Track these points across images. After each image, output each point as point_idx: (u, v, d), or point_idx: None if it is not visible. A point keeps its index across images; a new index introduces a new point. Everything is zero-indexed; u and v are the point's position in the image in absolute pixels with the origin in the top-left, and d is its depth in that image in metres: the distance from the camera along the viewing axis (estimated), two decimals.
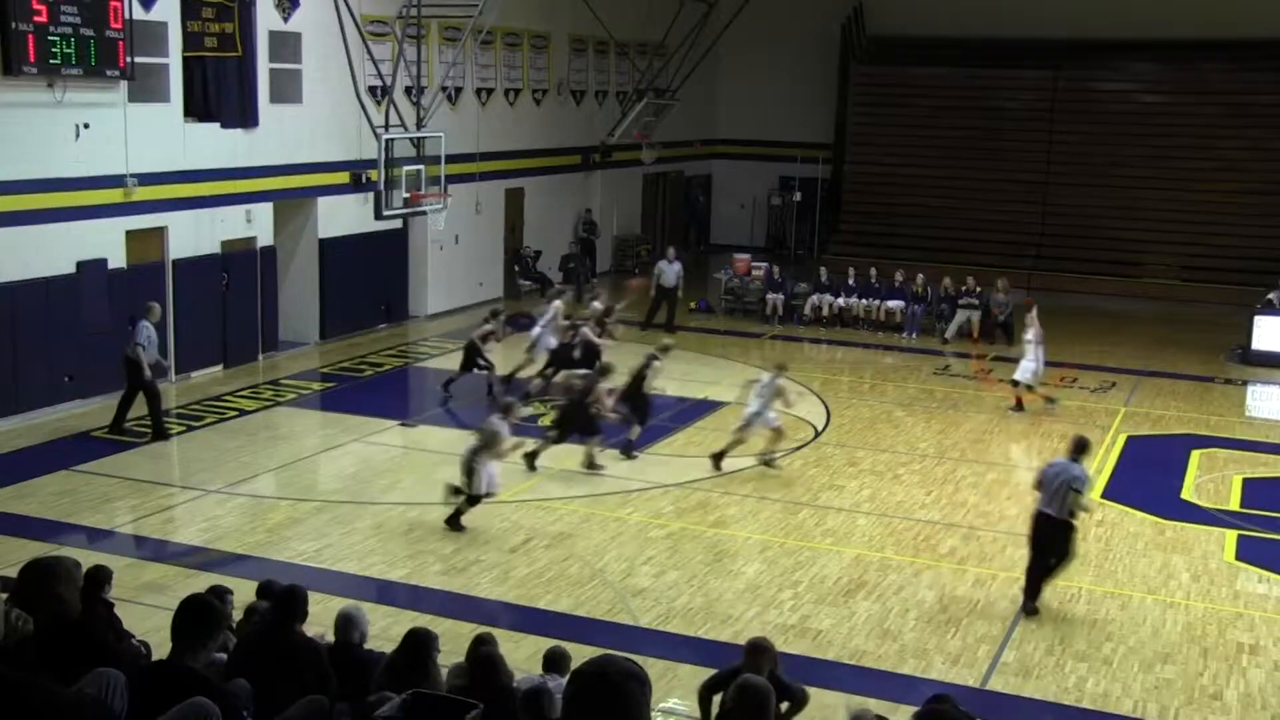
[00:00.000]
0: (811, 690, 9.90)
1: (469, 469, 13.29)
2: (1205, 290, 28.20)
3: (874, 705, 8.86)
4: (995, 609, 11.82)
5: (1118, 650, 11.01)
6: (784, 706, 7.67)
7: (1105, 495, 15.45)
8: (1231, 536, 14.04)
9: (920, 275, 26.12)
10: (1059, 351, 23.27)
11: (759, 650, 7.83)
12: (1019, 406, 19.16)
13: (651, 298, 24.73)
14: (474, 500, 13.38)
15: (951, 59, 33.45)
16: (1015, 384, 19.19)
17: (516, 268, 27.90)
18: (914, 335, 25.02)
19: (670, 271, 24.57)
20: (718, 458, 15.71)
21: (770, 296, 26.38)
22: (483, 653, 6.96)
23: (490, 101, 26.61)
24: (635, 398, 16.35)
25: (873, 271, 26.39)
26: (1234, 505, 15.25)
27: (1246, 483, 16.13)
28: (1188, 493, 15.67)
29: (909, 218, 32.62)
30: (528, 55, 27.97)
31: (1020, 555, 13.20)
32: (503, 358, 19.65)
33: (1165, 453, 17.47)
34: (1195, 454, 17.31)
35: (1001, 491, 15.38)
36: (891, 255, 28.50)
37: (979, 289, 25.28)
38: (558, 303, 20.21)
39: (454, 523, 13.37)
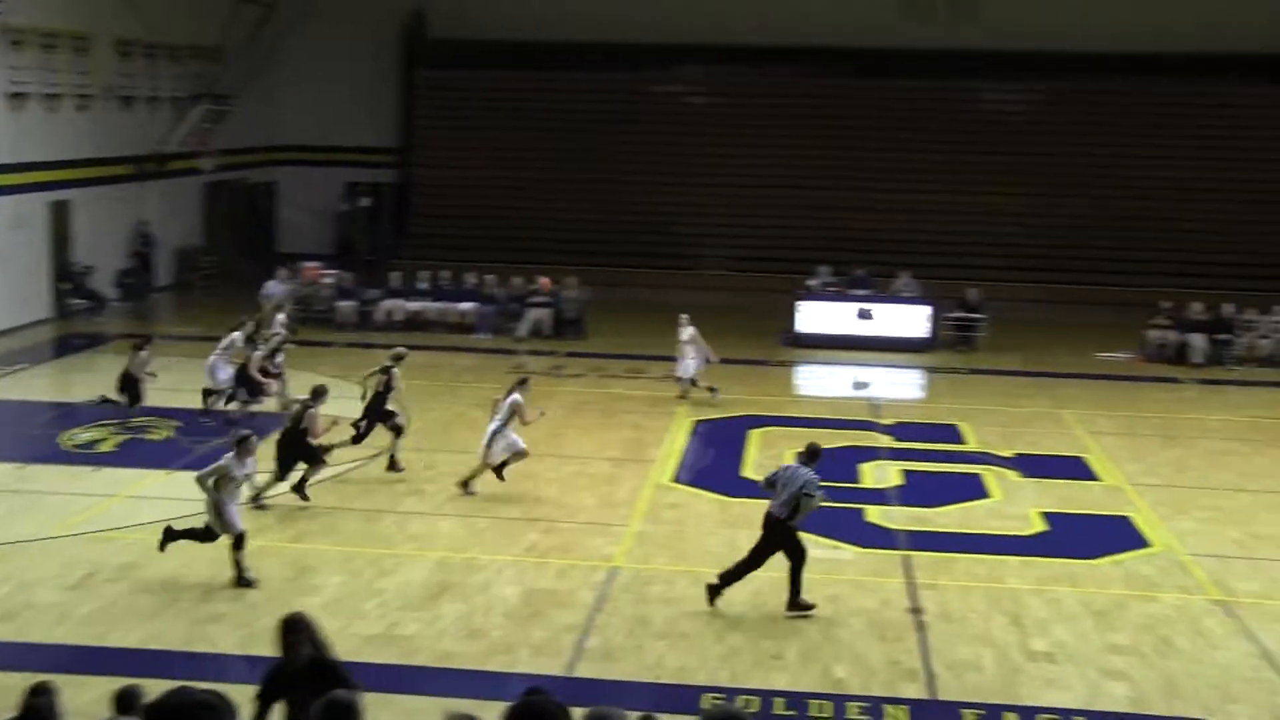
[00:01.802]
0: (403, 698, 9.87)
1: (216, 509, 12.33)
2: (758, 280, 30.15)
3: (467, 706, 8.90)
4: (577, 598, 12.18)
5: (693, 625, 11.63)
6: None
7: (678, 479, 16.28)
8: None
9: (490, 276, 26.55)
10: (629, 345, 24.34)
11: (294, 628, 7.50)
12: (683, 397, 20.37)
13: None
14: (209, 537, 12.44)
15: (517, 62, 34.12)
16: (680, 381, 20.34)
17: (66, 285, 26.07)
18: (487, 335, 25.38)
19: (279, 290, 24.52)
20: (466, 482, 15.32)
21: (341, 304, 26.00)
22: (32, 705, 6.45)
23: (26, 107, 24.71)
24: (380, 411, 16.15)
25: (445, 275, 26.56)
26: None
27: (799, 457, 17.38)
28: (748, 470, 16.74)
29: (481, 220, 33.00)
30: (67, 58, 26.16)
31: (599, 544, 13.72)
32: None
33: (727, 434, 18.57)
34: (753, 433, 18.53)
35: (578, 483, 15.86)
36: (464, 258, 28.73)
37: (551, 288, 25.96)
38: (237, 333, 19.17)
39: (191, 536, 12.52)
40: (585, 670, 10.69)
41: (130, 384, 18.56)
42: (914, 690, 10.47)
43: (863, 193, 32.56)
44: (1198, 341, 24.63)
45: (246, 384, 18.49)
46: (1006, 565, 13.41)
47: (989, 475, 16.74)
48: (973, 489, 16.16)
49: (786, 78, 33.65)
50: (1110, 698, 10.39)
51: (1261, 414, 20.96)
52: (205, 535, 12.44)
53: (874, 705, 10.16)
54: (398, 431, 16.30)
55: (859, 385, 21.69)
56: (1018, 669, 10.88)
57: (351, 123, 35.14)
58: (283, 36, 30.60)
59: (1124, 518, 15.14)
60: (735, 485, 15.94)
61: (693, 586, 12.48)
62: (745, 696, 10.21)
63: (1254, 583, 13.09)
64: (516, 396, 15.35)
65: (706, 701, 10.04)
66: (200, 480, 12.42)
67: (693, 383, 20.40)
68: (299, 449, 14.81)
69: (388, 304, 26.06)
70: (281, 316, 21.51)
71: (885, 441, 18.39)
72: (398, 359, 16.80)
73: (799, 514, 11.87)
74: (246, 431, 13.01)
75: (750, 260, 31.72)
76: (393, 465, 16.15)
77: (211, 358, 18.81)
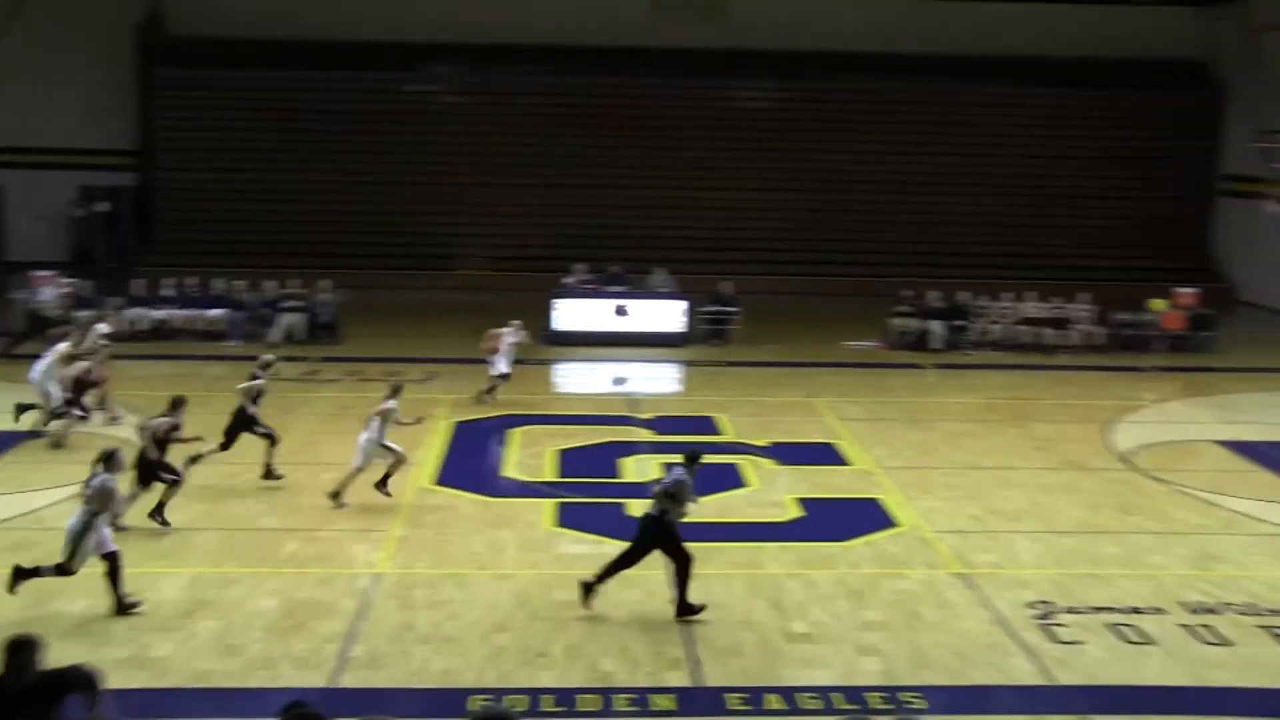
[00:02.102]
0: None
1: (78, 537, 11.44)
2: (515, 278, 30.17)
3: None
4: (340, 607, 11.94)
5: (458, 627, 11.55)
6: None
7: (440, 481, 16.14)
8: (550, 505, 15.20)
9: (240, 281, 25.74)
10: (386, 348, 23.99)
11: (19, 648, 7.25)
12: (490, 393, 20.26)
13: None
14: (66, 571, 11.54)
15: (264, 61, 33.12)
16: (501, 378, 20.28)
17: None
18: (239, 342, 24.59)
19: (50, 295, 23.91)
20: (335, 495, 14.85)
21: (80, 313, 24.73)
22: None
23: None
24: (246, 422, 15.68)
25: (193, 281, 25.61)
26: (551, 476, 16.52)
27: (561, 453, 17.53)
28: (510, 469, 16.74)
29: (229, 223, 31.98)
30: None
31: (360, 551, 13.48)
32: None
33: (488, 434, 18.52)
34: (514, 432, 18.53)
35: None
36: (213, 263, 27.82)
37: (303, 291, 25.35)
38: (62, 345, 18.00)
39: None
40: (350, 680, 10.49)
41: None
42: (680, 678, 10.67)
43: (617, 190, 33.00)
44: (937, 328, 25.90)
45: (78, 399, 17.45)
46: (765, 551, 13.80)
47: (746, 465, 17.19)
48: (731, 479, 16.55)
49: (539, 76, 33.74)
50: (864, 672, 10.82)
51: (995, 395, 22.17)
52: (63, 569, 11.59)
53: (641, 696, 10.30)
54: (271, 440, 15.81)
55: (618, 381, 21.94)
56: (778, 651, 11.22)
57: (84, 124, 33.46)
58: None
59: (873, 500, 15.78)
60: (497, 485, 15.91)
61: (457, 589, 12.41)
62: (513, 696, 10.21)
63: (991, 554, 13.84)
64: (390, 404, 15.00)
65: (474, 703, 9.99)
66: (88, 506, 11.61)
67: (503, 378, 20.24)
68: (159, 467, 14.08)
69: (131, 312, 24.95)
70: (103, 326, 20.13)
71: (645, 435, 18.68)
72: (265, 366, 16.36)
73: (670, 513, 11.84)
74: (112, 447, 12.28)
75: (508, 259, 31.71)
76: (269, 474, 15.70)
77: (37, 373, 17.65)
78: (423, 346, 24.58)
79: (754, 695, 10.35)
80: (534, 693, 10.29)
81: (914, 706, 10.15)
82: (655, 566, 13.22)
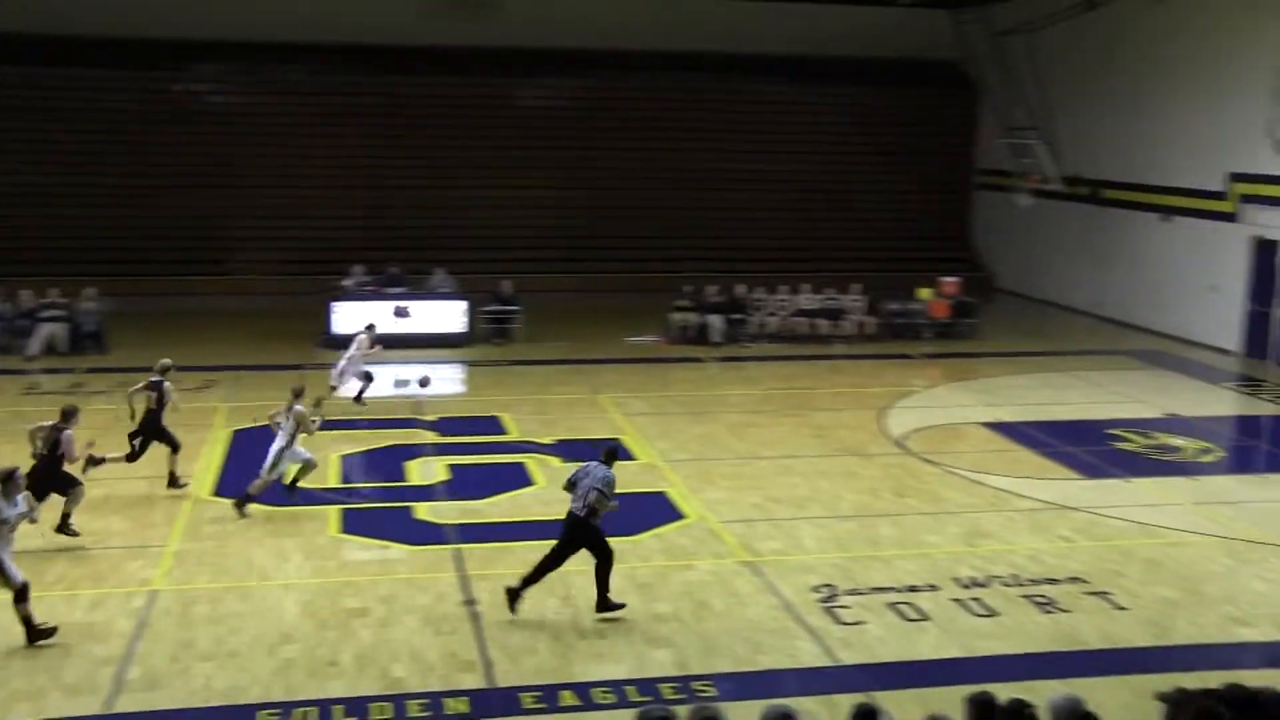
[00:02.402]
0: None
1: None
2: (293, 282, 29.43)
3: None
4: (114, 628, 11.44)
5: (243, 642, 11.21)
6: None
7: (218, 493, 15.62)
8: (335, 511, 14.90)
9: None
10: (157, 357, 23.05)
11: None
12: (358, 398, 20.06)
13: None
14: None
15: (27, 57, 31.18)
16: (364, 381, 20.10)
17: None
18: None
19: None
20: (241, 503, 14.61)
21: None
22: None
23: None
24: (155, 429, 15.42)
25: None
26: (334, 482, 16.19)
27: (344, 459, 17.19)
28: (291, 477, 16.31)
29: None
30: None
31: (135, 568, 12.95)
32: None
33: (268, 442, 17.96)
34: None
35: (108, 506, 14.87)
36: None
37: (64, 300, 24.18)
38: None
39: None
40: (126, 704, 10.06)
41: None
42: (473, 680, 10.60)
43: (396, 190, 32.54)
44: (716, 322, 26.41)
45: None
46: None
47: (532, 463, 17.19)
48: (518, 478, 16.53)
49: (315, 75, 32.91)
50: (656, 664, 10.96)
51: (774, 387, 22.73)
52: None
53: (434, 700, 10.20)
54: (175, 447, 15.57)
55: (424, 383, 21.48)
56: (571, 647, 11.26)
57: None
58: None
59: (660, 493, 15.99)
60: (278, 494, 15.48)
61: (240, 602, 12.05)
62: (302, 709, 9.97)
63: (775, 541, 14.19)
64: (299, 408, 14.87)
65: (262, 719, 9.72)
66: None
67: (333, 389, 19.76)
68: (55, 479, 13.40)
69: None
70: None
71: (429, 438, 18.48)
72: (165, 371, 15.91)
73: (597, 514, 11.82)
74: (11, 467, 11.49)
75: (285, 263, 30.87)
76: (173, 482, 15.50)
77: None
78: (197, 354, 23.72)
79: (548, 693, 10.37)
80: (324, 704, 10.07)
81: (708, 695, 10.33)
82: (444, 569, 13.13)
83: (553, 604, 12.22)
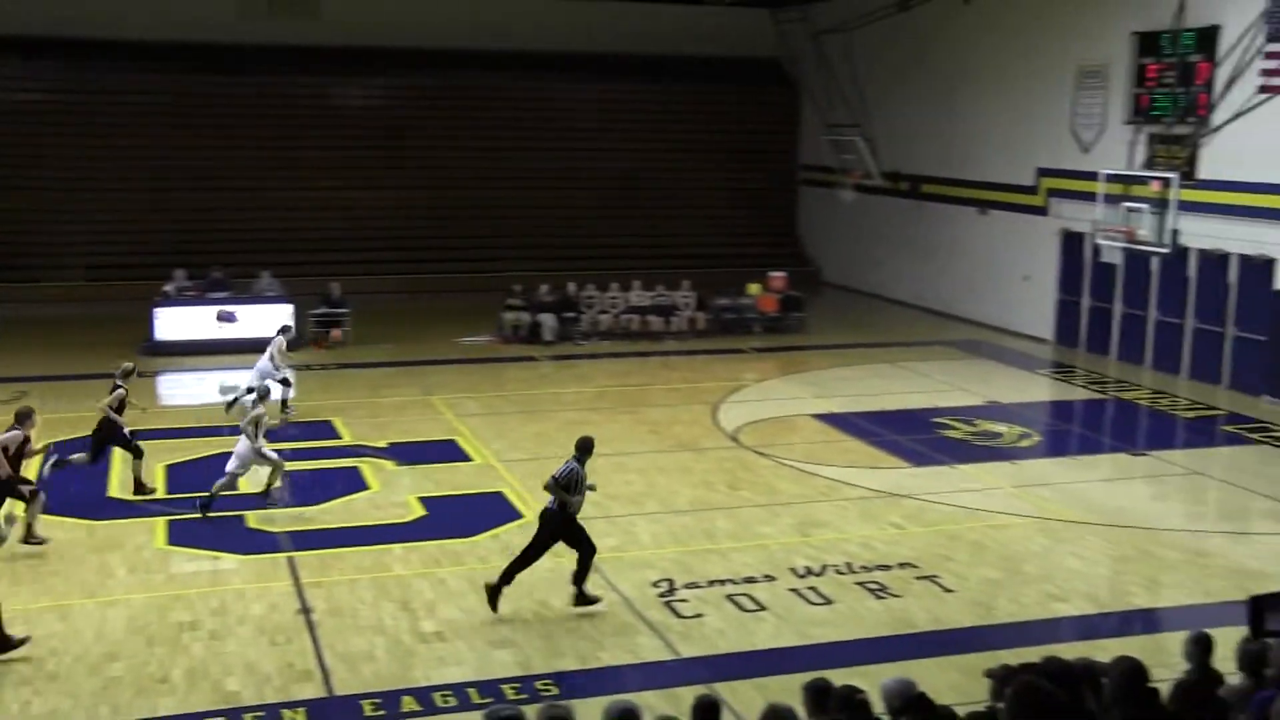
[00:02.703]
0: None
1: None
2: (114, 288, 28.41)
3: None
4: None
5: (63, 663, 10.78)
6: None
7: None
8: (162, 523, 14.45)
9: None
10: None
11: None
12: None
13: None
14: None
15: None
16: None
17: None
18: None
19: None
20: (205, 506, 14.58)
21: None
22: None
23: None
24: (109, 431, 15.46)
25: None
26: (161, 493, 15.69)
27: (170, 469, 16.67)
28: (115, 490, 15.78)
29: None
30: None
31: None
32: None
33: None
34: (117, 451, 17.41)
35: None
36: None
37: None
38: None
39: None
40: None
41: None
42: (311, 690, 10.40)
43: (219, 192, 31.65)
44: (548, 320, 26.40)
45: None
46: (392, 553, 13.66)
47: (366, 467, 16.94)
48: (352, 482, 16.28)
49: (132, 74, 31.76)
50: (499, 665, 10.91)
51: (608, 384, 22.83)
52: None
53: (271, 712, 9.97)
54: (137, 453, 15.60)
55: (285, 383, 20.82)
56: (411, 652, 11.13)
57: None
58: None
59: (497, 493, 15.92)
60: (102, 507, 14.97)
61: (60, 622, 11.59)
62: None
63: (613, 538, 14.25)
64: (259, 410, 15.13)
65: None
66: None
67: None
68: (15, 482, 13.07)
69: None
70: None
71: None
72: (127, 375, 16.06)
73: (567, 507, 11.92)
74: (33, 488, 11.39)
75: (104, 268, 29.77)
76: (139, 488, 15.49)
77: None
78: (8, 365, 22.75)
79: (389, 699, 10.24)
80: None
81: (551, 694, 10.33)
82: (277, 578, 12.87)
83: (390, 608, 12.07)
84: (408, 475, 16.64)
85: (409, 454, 17.54)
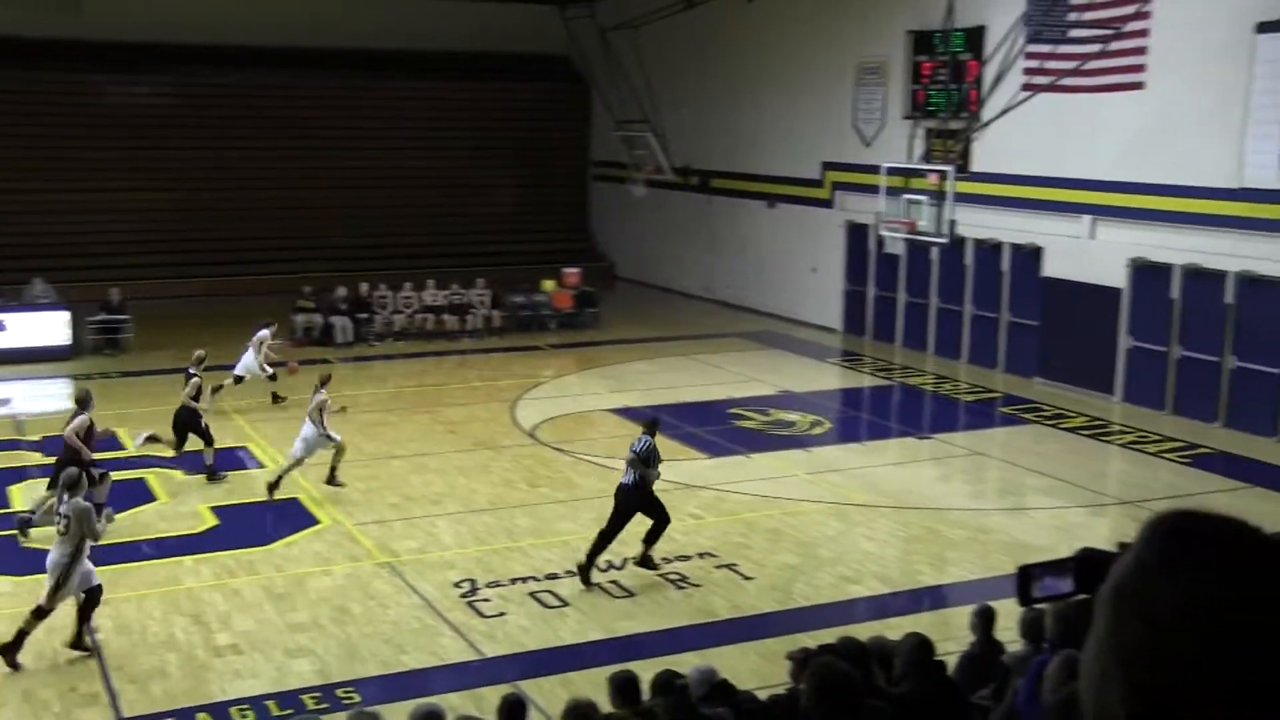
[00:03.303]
0: None
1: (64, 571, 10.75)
2: None
3: None
4: None
5: None
6: None
7: None
8: None
9: None
10: None
11: None
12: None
13: None
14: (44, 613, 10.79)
15: None
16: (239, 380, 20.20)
17: None
18: None
19: None
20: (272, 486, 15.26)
21: None
22: None
23: None
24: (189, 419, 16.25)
25: None
26: None
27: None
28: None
29: None
30: None
31: None
32: None
33: None
34: None
35: None
36: None
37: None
38: None
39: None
40: None
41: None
42: (97, 715, 9.98)
43: None
44: (341, 322, 25.89)
45: None
46: (182, 566, 13.22)
47: (154, 478, 16.35)
48: (139, 494, 15.68)
49: None
50: (297, 675, 10.66)
51: (404, 384, 22.55)
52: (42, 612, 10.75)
53: None
54: (209, 440, 16.33)
55: (2, 403, 19.98)
56: (205, 667, 10.79)
57: None
58: None
59: (293, 499, 15.55)
60: None
61: None
62: None
63: (413, 540, 14.10)
64: (321, 395, 15.81)
65: None
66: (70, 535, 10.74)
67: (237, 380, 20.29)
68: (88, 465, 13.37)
69: None
70: None
71: (35, 459, 17.20)
72: (200, 363, 17.15)
73: (647, 480, 12.75)
74: (76, 469, 11.74)
75: None
76: (210, 475, 16.18)
77: None
78: None
79: (183, 716, 9.90)
80: None
81: (352, 702, 10.14)
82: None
83: (181, 622, 11.68)
84: (198, 484, 16.11)
85: (199, 462, 16.95)
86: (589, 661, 10.78)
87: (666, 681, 6.98)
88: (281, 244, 31.90)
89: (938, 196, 22.67)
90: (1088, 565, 3.32)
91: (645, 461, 12.73)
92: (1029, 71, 21.53)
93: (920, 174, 23.41)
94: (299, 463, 15.59)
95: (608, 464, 17.34)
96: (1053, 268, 22.50)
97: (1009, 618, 8.42)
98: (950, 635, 10.64)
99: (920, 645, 7.40)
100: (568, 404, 21.20)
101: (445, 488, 16.20)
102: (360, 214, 33.25)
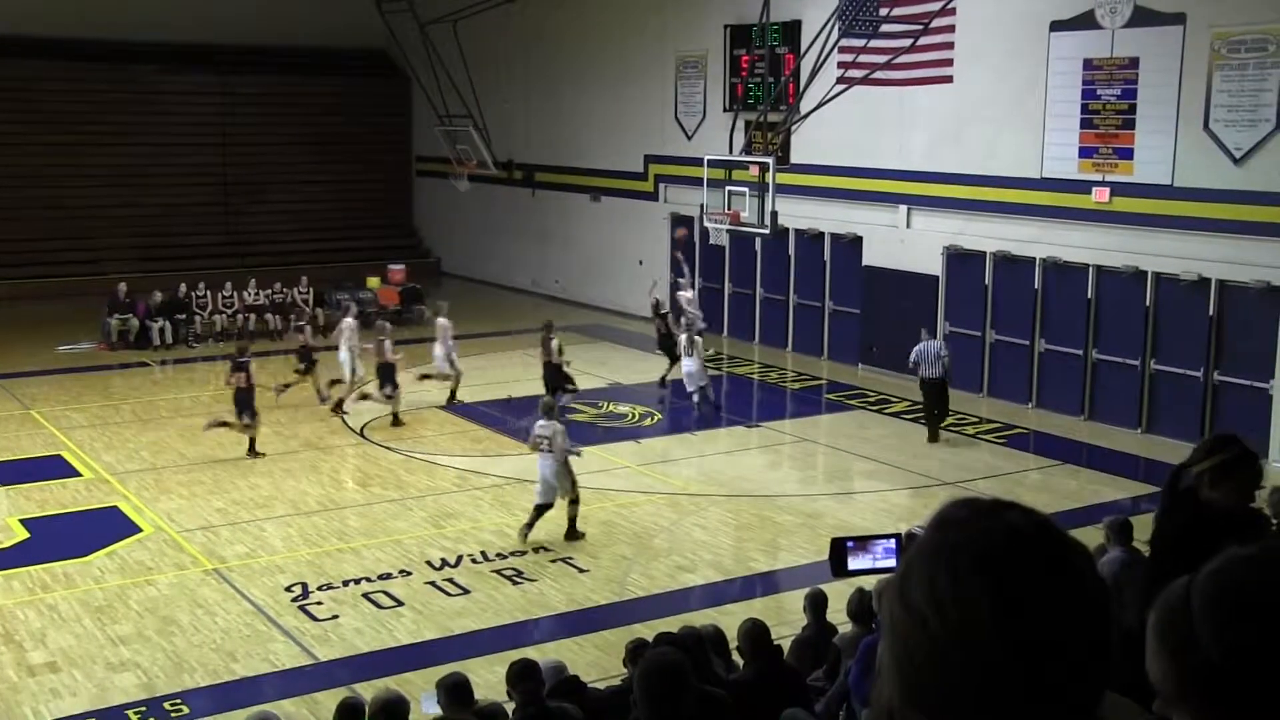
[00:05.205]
0: None
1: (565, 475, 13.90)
2: None
3: None
4: None
5: None
6: None
7: None
8: None
9: None
10: None
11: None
12: None
13: None
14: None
15: None
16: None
17: None
18: None
19: None
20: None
21: None
22: None
23: None
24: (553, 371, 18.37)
25: None
26: None
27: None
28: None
29: None
30: None
31: None
32: None
33: None
34: None
35: None
36: None
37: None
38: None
39: None
40: None
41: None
42: None
43: None
44: (158, 323, 25.07)
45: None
46: None
47: None
48: None
49: None
50: (121, 690, 10.31)
51: (225, 387, 21.90)
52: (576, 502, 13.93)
53: None
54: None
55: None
56: (19, 688, 10.35)
57: None
58: None
59: (112, 508, 15.03)
60: None
61: None
62: None
63: (241, 545, 13.77)
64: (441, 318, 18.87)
65: None
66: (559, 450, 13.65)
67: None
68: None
69: None
70: None
71: None
72: (549, 328, 19.75)
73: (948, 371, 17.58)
74: (552, 399, 15.43)
75: None
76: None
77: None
78: None
79: None
80: None
81: (181, 715, 9.85)
82: None
83: None
84: (6, 496, 15.43)
85: (7, 473, 16.26)
86: (425, 661, 10.68)
87: (524, 670, 6.92)
88: (91, 244, 30.70)
89: (759, 188, 23.04)
90: (911, 541, 3.45)
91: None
92: (843, 65, 22.04)
93: (742, 166, 23.75)
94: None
95: (440, 461, 17.21)
96: (872, 257, 23.11)
97: (839, 600, 8.64)
98: (784, 620, 10.87)
99: (756, 631, 7.54)
100: (396, 401, 20.89)
101: (273, 490, 15.85)
102: (177, 214, 32.22)
